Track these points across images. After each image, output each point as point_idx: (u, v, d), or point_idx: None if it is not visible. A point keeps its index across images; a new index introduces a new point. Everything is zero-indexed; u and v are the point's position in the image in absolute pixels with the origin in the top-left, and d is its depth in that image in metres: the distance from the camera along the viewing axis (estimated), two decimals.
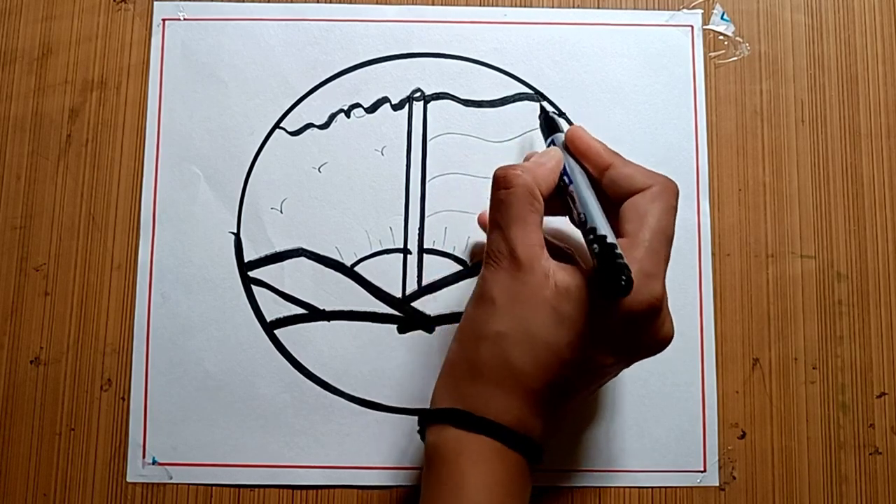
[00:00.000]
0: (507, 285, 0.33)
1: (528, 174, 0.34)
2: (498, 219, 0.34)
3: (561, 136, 0.38)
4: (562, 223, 0.40)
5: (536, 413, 0.33)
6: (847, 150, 0.44)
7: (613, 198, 0.35)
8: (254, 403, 0.42)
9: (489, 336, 0.33)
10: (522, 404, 0.32)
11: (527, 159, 0.38)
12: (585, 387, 0.34)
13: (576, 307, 0.32)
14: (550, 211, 0.36)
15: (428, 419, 0.35)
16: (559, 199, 0.36)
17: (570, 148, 0.37)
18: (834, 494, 0.41)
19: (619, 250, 0.31)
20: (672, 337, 0.34)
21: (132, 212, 0.43)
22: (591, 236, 0.32)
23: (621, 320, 0.32)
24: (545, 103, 0.43)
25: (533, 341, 0.32)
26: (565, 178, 0.36)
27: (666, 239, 0.34)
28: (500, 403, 0.32)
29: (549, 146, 0.39)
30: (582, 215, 0.34)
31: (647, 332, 0.33)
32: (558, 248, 0.38)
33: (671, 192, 0.35)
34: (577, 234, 0.39)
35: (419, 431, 0.35)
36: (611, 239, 0.32)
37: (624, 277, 0.30)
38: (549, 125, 0.40)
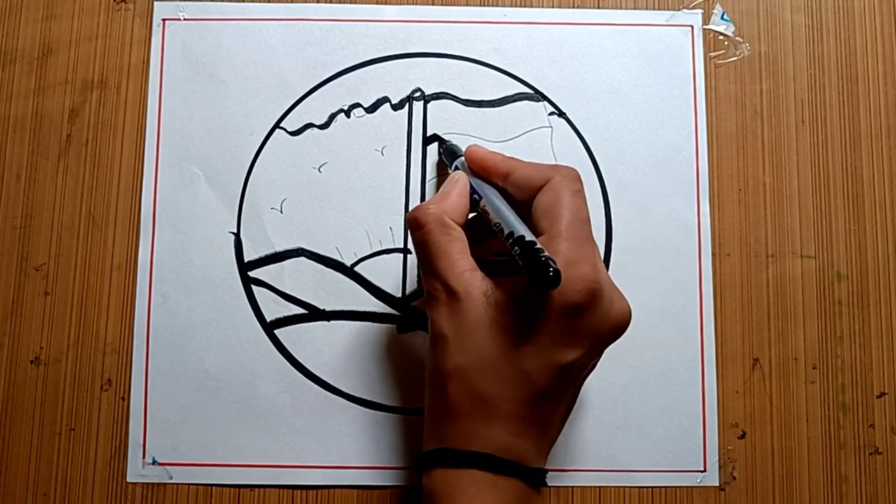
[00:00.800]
0: (451, 319, 0.33)
1: (436, 207, 0.35)
2: (424, 260, 0.35)
3: (462, 159, 0.40)
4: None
5: (521, 433, 0.33)
6: (847, 150, 0.44)
7: (521, 201, 0.36)
8: (254, 403, 0.42)
9: (451, 373, 0.33)
10: (504, 430, 0.32)
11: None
12: (563, 390, 0.34)
13: (520, 317, 0.32)
14: (476, 233, 0.37)
15: (421, 466, 0.35)
16: (481, 220, 0.37)
17: (472, 167, 0.39)
18: (834, 494, 0.41)
19: (538, 245, 0.31)
20: (629, 313, 0.34)
21: (132, 212, 0.43)
22: (511, 240, 0.33)
23: (564, 312, 0.32)
24: (438, 133, 0.44)
25: (493, 365, 0.32)
26: (475, 195, 0.37)
27: (580, 223, 0.34)
28: (481, 434, 0.32)
29: (452, 171, 0.40)
30: (498, 224, 0.34)
31: (597, 315, 0.33)
32: (499, 263, 0.38)
33: (570, 177, 0.35)
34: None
35: (419, 482, 0.35)
36: (529, 237, 0.32)
37: (551, 270, 0.30)
38: (449, 153, 0.41)
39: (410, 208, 0.43)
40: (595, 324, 0.33)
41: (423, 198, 0.43)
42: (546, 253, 0.31)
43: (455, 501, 0.32)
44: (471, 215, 0.37)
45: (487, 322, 0.32)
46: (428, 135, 0.43)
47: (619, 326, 0.34)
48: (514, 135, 0.44)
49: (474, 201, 0.37)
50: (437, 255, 0.34)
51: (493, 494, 0.32)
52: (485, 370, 0.32)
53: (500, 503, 0.32)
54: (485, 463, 0.32)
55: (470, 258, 0.34)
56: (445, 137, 0.43)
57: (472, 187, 0.37)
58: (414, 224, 0.35)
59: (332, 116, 0.44)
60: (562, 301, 0.32)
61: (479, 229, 0.37)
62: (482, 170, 0.38)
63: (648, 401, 0.42)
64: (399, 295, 0.43)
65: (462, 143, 0.43)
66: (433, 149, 0.44)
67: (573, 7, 0.45)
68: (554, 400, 0.33)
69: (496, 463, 0.32)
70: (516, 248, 0.32)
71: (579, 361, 0.33)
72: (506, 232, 0.33)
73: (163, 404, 0.42)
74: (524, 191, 0.36)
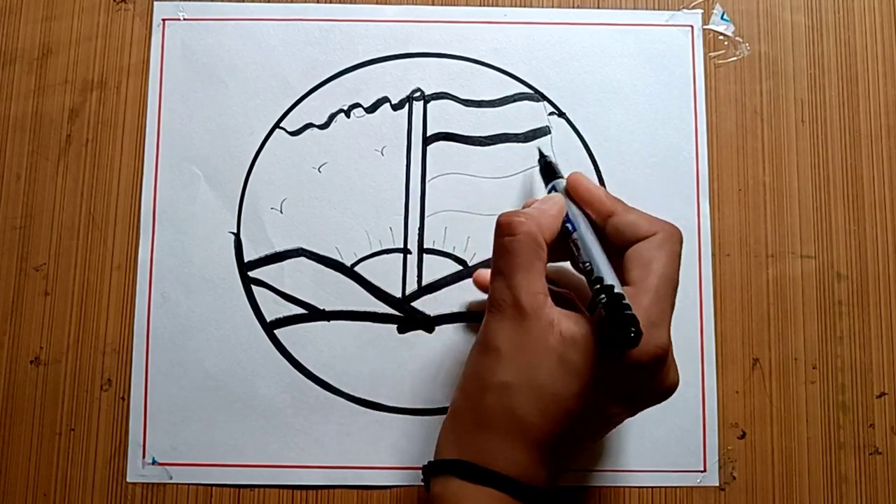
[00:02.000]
0: (511, 334, 0.33)
1: (533, 221, 0.34)
2: (502, 266, 0.34)
3: (562, 182, 0.38)
4: (559, 265, 0.40)
5: (541, 463, 0.32)
6: (847, 150, 0.44)
7: (617, 244, 0.35)
8: (254, 403, 0.42)
9: (494, 386, 0.32)
10: (528, 455, 0.32)
11: (526, 206, 0.37)
12: (590, 436, 0.34)
13: (582, 356, 0.32)
14: (553, 257, 0.36)
15: (433, 470, 0.34)
16: (562, 245, 0.36)
17: (571, 194, 0.37)
18: (834, 494, 0.41)
19: (626, 301, 0.31)
20: (677, 384, 0.34)
21: (132, 212, 0.43)
22: (598, 286, 0.32)
23: (628, 370, 0.32)
24: (542, 147, 0.43)
25: (539, 392, 0.32)
26: (568, 224, 0.36)
27: (671, 287, 0.33)
28: (506, 454, 0.32)
29: (549, 191, 0.39)
30: (587, 264, 0.33)
31: (653, 381, 0.33)
32: (558, 293, 0.37)
33: (676, 238, 0.34)
34: (576, 276, 0.39)
35: (423, 481, 0.35)
36: (618, 289, 0.31)
37: (633, 329, 0.30)
38: (548, 171, 0.40)
39: (410, 208, 0.43)
40: (650, 389, 0.33)
41: (423, 198, 0.43)
42: (632, 311, 0.30)
43: None
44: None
45: (547, 350, 0.32)
46: (539, 154, 0.41)
47: (666, 396, 0.34)
48: (516, 130, 0.44)
49: (565, 230, 0.36)
50: (519, 267, 0.33)
51: None
52: (530, 394, 0.32)
53: None
54: (505, 484, 0.32)
55: (545, 282, 0.34)
56: (546, 153, 0.42)
57: (567, 216, 0.36)
58: (506, 228, 0.34)
59: (332, 116, 0.44)
60: (631, 358, 0.31)
61: (557, 257, 0.37)
62: (584, 201, 0.37)
63: None
64: (399, 295, 0.43)
65: (463, 144, 0.43)
66: (433, 149, 0.44)
67: (573, 7, 0.45)
68: (580, 441, 0.34)
69: (516, 486, 0.32)
70: (602, 296, 0.31)
71: (618, 417, 0.33)
72: (594, 275, 0.33)
73: (163, 404, 0.42)
74: (624, 237, 0.35)
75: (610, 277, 0.32)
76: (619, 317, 0.30)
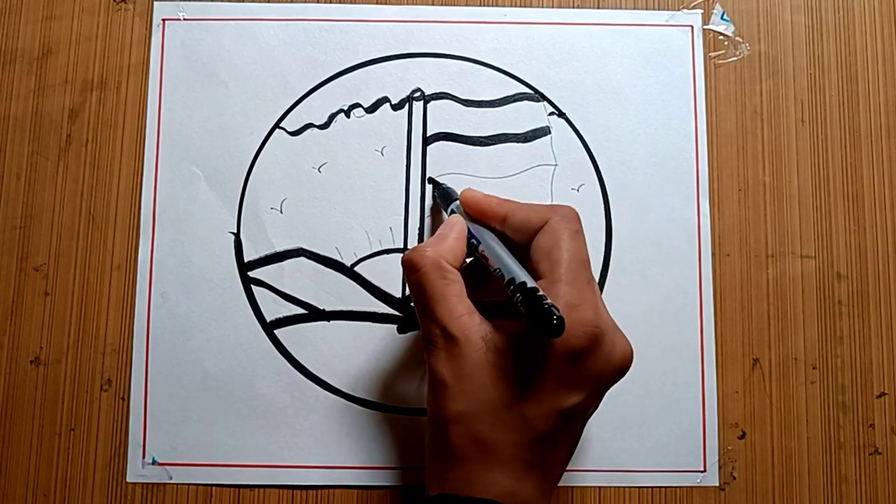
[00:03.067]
0: (450, 364, 0.33)
1: (431, 250, 0.35)
2: (420, 303, 0.34)
3: (457, 203, 0.39)
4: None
5: (523, 478, 0.32)
6: (847, 150, 0.44)
7: (521, 243, 0.36)
8: (254, 403, 0.42)
9: (452, 418, 0.33)
10: (506, 475, 0.32)
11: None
12: (565, 434, 0.34)
13: (521, 362, 0.32)
14: (478, 279, 0.36)
15: None
16: (480, 264, 0.36)
17: (468, 211, 0.38)
18: (834, 494, 0.41)
19: (541, 292, 0.31)
20: (631, 355, 0.34)
21: (132, 212, 0.43)
22: (511, 287, 0.32)
23: (566, 358, 0.32)
24: (433, 176, 0.43)
25: (494, 410, 0.32)
26: (473, 240, 0.37)
27: (581, 265, 0.34)
28: (483, 480, 0.32)
29: (449, 215, 0.40)
30: (498, 270, 0.34)
31: (599, 359, 0.33)
32: (498, 304, 0.37)
33: (569, 217, 0.35)
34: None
35: None
36: (530, 284, 0.32)
37: (555, 318, 0.30)
38: (444, 196, 0.41)
39: (410, 208, 0.43)
40: (597, 368, 0.33)
41: (422, 198, 0.43)
42: (549, 300, 0.31)
43: None
44: (468, 259, 0.37)
45: (487, 367, 0.32)
46: (426, 177, 0.43)
47: (620, 369, 0.34)
48: (516, 129, 0.44)
49: (472, 246, 0.37)
50: (433, 298, 0.34)
51: None
52: (486, 415, 0.32)
53: None
54: None
55: (468, 301, 0.34)
56: (440, 180, 0.43)
57: (469, 232, 0.37)
58: (409, 267, 0.35)
59: (332, 116, 0.44)
60: (563, 346, 0.32)
61: (478, 274, 0.37)
62: (479, 214, 0.38)
63: (648, 401, 0.42)
64: (399, 295, 0.43)
65: (463, 144, 0.43)
66: (433, 149, 0.44)
67: (573, 7, 0.45)
68: (555, 443, 0.33)
69: None
70: (518, 294, 0.31)
71: (581, 405, 0.33)
72: (506, 278, 0.33)
73: (163, 404, 0.42)
74: (523, 234, 0.36)
75: (521, 275, 0.32)
76: (538, 309, 0.30)
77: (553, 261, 0.33)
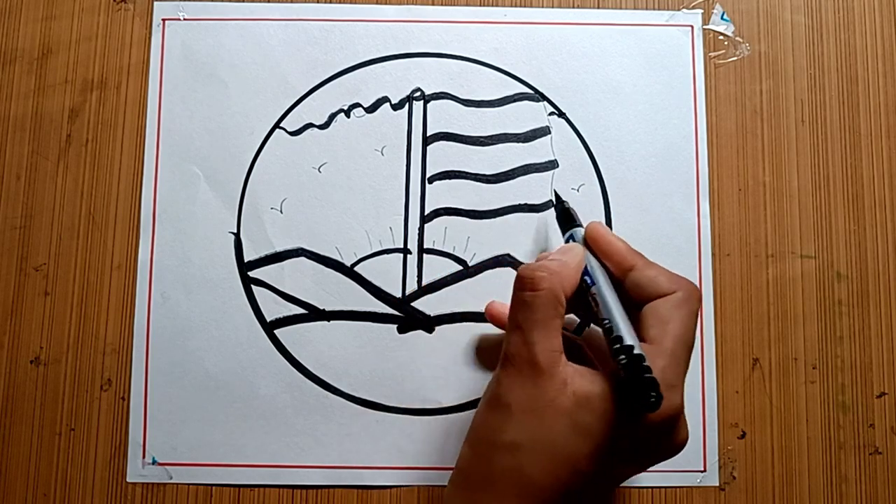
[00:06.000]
0: (524, 391, 0.32)
1: (556, 277, 0.33)
2: (521, 321, 0.33)
3: (580, 231, 0.38)
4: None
5: None
6: (847, 150, 0.44)
7: (635, 299, 0.35)
8: (254, 403, 0.42)
9: (504, 445, 0.32)
10: None
11: (541, 258, 0.36)
12: (600, 494, 0.34)
13: (596, 418, 0.31)
14: (569, 309, 0.35)
15: None
16: (578, 297, 0.35)
17: (591, 245, 0.36)
18: (834, 494, 0.41)
19: (646, 363, 0.30)
20: (686, 440, 0.33)
21: (132, 212, 0.43)
22: (618, 345, 0.31)
23: (642, 432, 0.31)
24: (559, 191, 0.42)
25: (550, 453, 0.31)
26: (587, 278, 0.35)
27: (687, 348, 0.33)
28: None
29: (567, 240, 0.39)
30: (606, 321, 0.33)
31: (664, 440, 0.32)
32: (568, 339, 0.36)
33: (695, 298, 0.34)
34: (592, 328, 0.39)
35: None
36: (637, 350, 0.31)
37: (654, 394, 0.29)
38: (566, 218, 0.39)
39: (410, 208, 0.43)
40: (661, 449, 0.33)
41: (422, 198, 0.43)
42: (652, 374, 0.30)
43: None
44: None
45: (560, 410, 0.31)
46: (553, 194, 0.41)
47: (676, 451, 0.33)
48: (516, 130, 0.44)
49: (584, 283, 0.35)
50: (537, 323, 0.32)
51: None
52: (540, 455, 0.31)
53: None
54: None
55: (561, 339, 0.33)
56: (564, 198, 0.41)
57: (585, 268, 0.35)
58: (528, 284, 0.33)
59: (332, 116, 0.44)
60: (646, 420, 0.31)
61: (572, 309, 0.36)
62: (604, 254, 0.36)
63: None
64: (399, 295, 0.43)
65: (463, 144, 0.43)
66: (433, 149, 0.44)
67: (573, 7, 0.45)
68: (589, 499, 0.33)
69: None
70: (622, 357, 0.31)
71: (630, 472, 0.33)
72: (614, 334, 0.32)
73: (163, 404, 0.42)
74: (643, 292, 0.34)
75: (630, 338, 0.31)
76: (640, 380, 0.30)
77: (665, 332, 0.32)
